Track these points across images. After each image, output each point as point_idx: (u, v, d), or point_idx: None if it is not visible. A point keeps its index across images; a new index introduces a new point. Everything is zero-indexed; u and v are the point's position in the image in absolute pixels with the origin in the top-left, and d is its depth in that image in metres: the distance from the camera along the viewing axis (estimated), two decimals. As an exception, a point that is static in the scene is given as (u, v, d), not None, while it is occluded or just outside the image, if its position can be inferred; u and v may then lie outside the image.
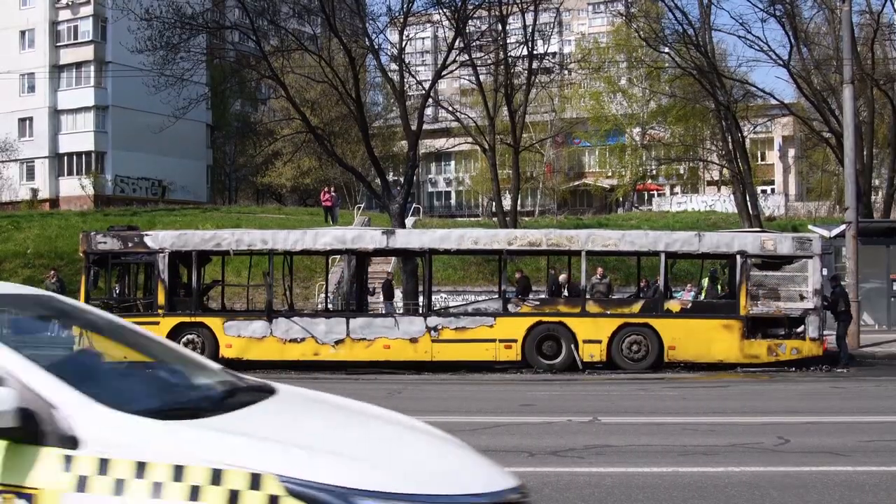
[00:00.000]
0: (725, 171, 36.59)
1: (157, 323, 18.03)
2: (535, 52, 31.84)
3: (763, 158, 61.82)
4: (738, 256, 17.88)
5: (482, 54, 32.12)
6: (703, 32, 30.54)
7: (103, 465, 2.86)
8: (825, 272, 19.27)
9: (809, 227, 26.96)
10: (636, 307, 18.34)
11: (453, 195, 72.16)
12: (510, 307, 18.23)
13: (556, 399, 13.87)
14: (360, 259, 20.32)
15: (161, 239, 18.56)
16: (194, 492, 2.82)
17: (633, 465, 8.24)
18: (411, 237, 19.48)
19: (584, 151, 66.85)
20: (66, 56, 51.66)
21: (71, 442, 2.91)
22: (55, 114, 51.87)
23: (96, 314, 4.22)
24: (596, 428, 10.54)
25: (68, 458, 2.88)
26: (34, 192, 50.40)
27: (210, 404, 3.54)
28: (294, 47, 29.70)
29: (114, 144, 51.44)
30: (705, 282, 21.33)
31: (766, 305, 17.74)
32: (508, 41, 31.80)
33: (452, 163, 71.15)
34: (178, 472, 2.84)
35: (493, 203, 36.97)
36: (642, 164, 56.72)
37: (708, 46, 30.69)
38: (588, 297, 18.73)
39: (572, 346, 17.68)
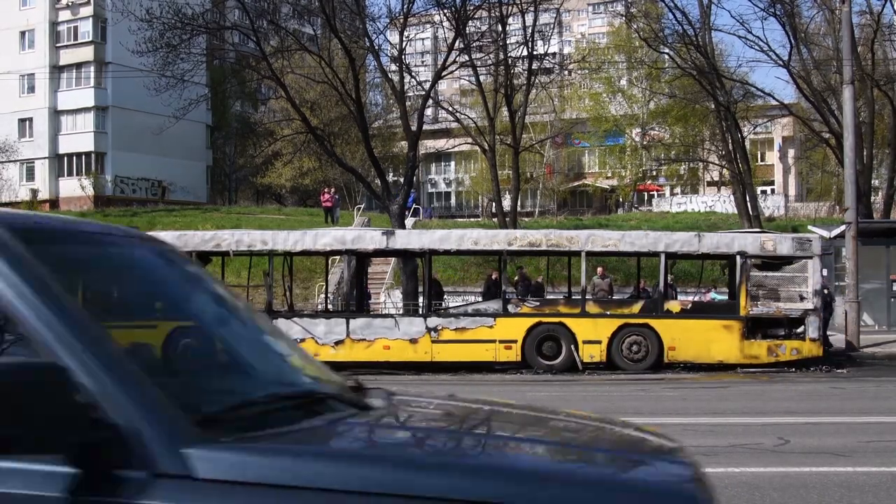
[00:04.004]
0: (725, 171, 36.59)
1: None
2: (534, 53, 31.82)
3: (763, 159, 61.80)
4: (737, 257, 17.88)
5: (482, 55, 32.11)
6: (703, 32, 30.54)
7: None
8: (825, 273, 19.29)
9: (809, 227, 26.94)
10: (636, 308, 18.33)
11: (453, 196, 72.14)
12: (510, 308, 18.23)
13: (556, 400, 13.86)
14: (360, 260, 20.31)
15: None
16: None
17: (632, 465, 8.22)
18: (411, 238, 19.47)
19: (583, 152, 66.81)
20: (66, 57, 51.69)
21: None
22: (55, 114, 51.89)
23: None
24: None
25: None
26: (34, 192, 50.40)
27: None
28: (294, 48, 29.70)
29: (114, 145, 51.45)
30: None
31: (765, 306, 17.74)
32: (508, 42, 31.78)
33: (452, 163, 71.11)
34: None
35: (493, 203, 36.96)
36: (642, 164, 56.73)
37: (708, 47, 30.70)
38: (590, 296, 18.75)
39: (572, 346, 17.68)
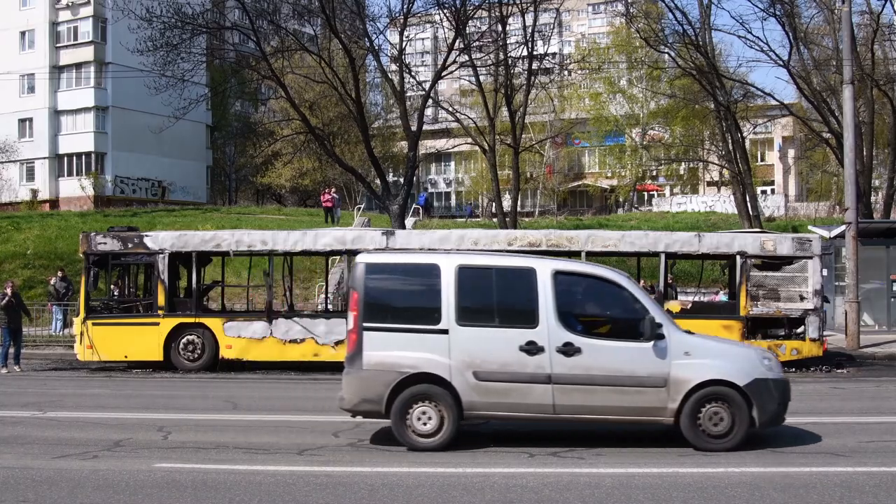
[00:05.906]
0: (725, 171, 36.59)
1: (158, 324, 18.02)
2: (534, 53, 31.83)
3: (763, 159, 61.83)
4: (737, 257, 17.88)
5: (482, 55, 32.10)
6: (703, 32, 30.54)
7: None
8: (825, 273, 19.28)
9: (809, 227, 26.96)
10: (636, 308, 18.30)
11: (453, 196, 72.18)
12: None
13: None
14: (360, 260, 20.30)
15: (161, 240, 18.55)
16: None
17: (633, 465, 8.24)
18: (411, 238, 19.46)
19: (583, 152, 66.86)
20: (66, 57, 51.69)
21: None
22: (55, 114, 51.89)
23: None
24: (596, 428, 10.54)
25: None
26: (34, 192, 50.39)
27: None
28: (294, 48, 29.70)
29: (114, 145, 51.46)
30: None
31: (765, 306, 17.73)
32: (508, 42, 31.79)
33: (452, 163, 71.18)
34: None
35: (493, 203, 36.97)
36: (642, 164, 56.75)
37: (708, 47, 30.70)
38: None
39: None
